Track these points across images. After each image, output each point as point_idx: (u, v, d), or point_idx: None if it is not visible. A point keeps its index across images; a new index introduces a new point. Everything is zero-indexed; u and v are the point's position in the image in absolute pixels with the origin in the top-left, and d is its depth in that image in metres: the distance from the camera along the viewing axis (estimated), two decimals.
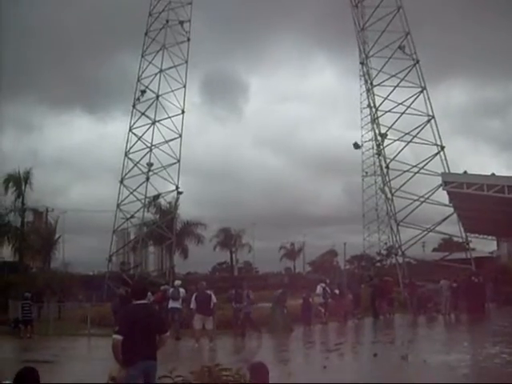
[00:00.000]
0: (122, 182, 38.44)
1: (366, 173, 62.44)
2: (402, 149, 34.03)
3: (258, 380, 5.11)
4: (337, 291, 25.79)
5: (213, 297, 18.42)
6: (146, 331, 6.94)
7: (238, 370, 4.36)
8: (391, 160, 34.13)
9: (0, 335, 22.95)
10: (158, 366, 6.97)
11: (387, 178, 34.77)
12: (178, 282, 21.11)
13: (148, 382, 6.80)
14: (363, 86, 49.39)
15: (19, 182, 34.92)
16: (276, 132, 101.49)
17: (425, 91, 33.82)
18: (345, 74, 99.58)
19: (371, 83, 35.99)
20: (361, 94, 57.39)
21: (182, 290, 20.08)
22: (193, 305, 18.18)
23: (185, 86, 39.22)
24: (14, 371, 5.61)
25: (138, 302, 7.25)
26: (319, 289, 24.59)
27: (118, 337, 6.79)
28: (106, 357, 14.67)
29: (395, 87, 34.25)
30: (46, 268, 42.41)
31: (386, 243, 58.48)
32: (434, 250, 58.46)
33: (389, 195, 35.01)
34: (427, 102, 33.75)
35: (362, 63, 37.93)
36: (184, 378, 4.08)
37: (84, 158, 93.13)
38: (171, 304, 19.29)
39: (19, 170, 35.31)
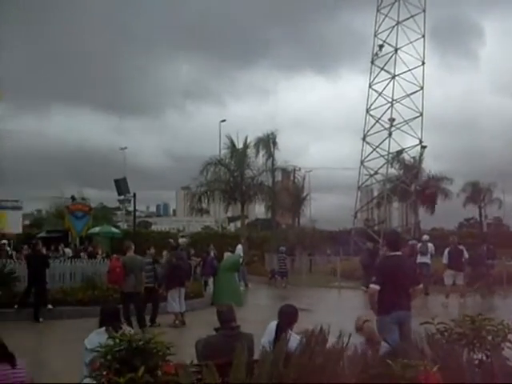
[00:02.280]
0: (364, 138, 38.82)
1: None
2: None
3: None
4: None
5: (464, 252, 17.92)
6: (401, 282, 7.07)
7: (502, 320, 4.28)
8: None
9: (259, 285, 25.18)
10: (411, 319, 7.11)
11: None
12: (426, 237, 20.78)
13: (402, 331, 6.98)
14: None
15: (268, 144, 37.29)
16: None
17: None
18: None
19: None
20: None
21: (430, 245, 19.79)
22: (445, 260, 17.88)
23: (423, 36, 37.78)
24: (272, 316, 6.23)
25: (393, 253, 7.40)
26: None
27: (375, 286, 7.03)
28: (355, 307, 15.33)
29: None
30: (296, 225, 44.92)
31: None
32: None
33: None
34: None
35: None
36: (446, 325, 4.13)
37: (319, 117, 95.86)
38: (420, 259, 19.13)
39: (267, 132, 37.70)
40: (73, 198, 27.65)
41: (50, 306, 14.49)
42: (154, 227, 70.79)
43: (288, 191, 43.02)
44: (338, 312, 15.13)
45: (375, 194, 47.69)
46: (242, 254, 23.05)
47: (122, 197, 27.94)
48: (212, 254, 21.00)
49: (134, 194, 23.88)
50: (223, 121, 49.55)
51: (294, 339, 4.53)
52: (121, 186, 22.92)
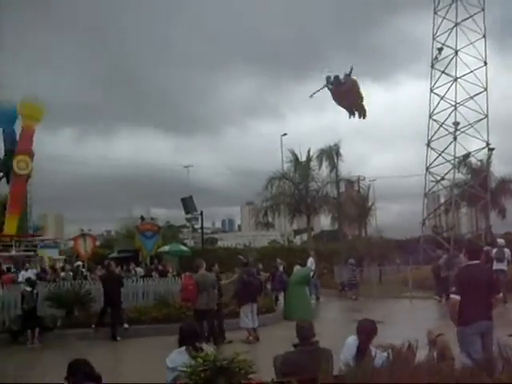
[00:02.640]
0: (428, 144, 37.99)
1: None
2: None
3: None
4: None
5: None
6: (482, 291, 6.89)
7: None
8: None
9: (329, 297, 24.94)
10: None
11: None
12: (501, 242, 19.80)
13: (484, 343, 6.77)
14: None
15: (331, 155, 37.18)
16: None
17: None
18: None
19: None
20: None
21: (506, 251, 18.97)
22: None
23: (484, 36, 36.78)
24: (345, 330, 6.15)
25: (472, 262, 7.23)
26: None
27: (456, 297, 6.87)
28: (429, 318, 14.93)
29: None
30: (362, 235, 44.38)
31: None
32: None
33: None
34: None
35: None
36: None
37: (380, 125, 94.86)
38: (496, 265, 18.42)
39: (330, 144, 37.63)
40: (142, 218, 28.27)
41: (126, 326, 14.85)
42: (219, 243, 71.46)
43: (353, 201, 42.68)
44: (413, 323, 14.75)
45: (442, 200, 46.60)
46: (313, 268, 22.88)
47: (189, 215, 28.40)
48: (281, 268, 20.95)
49: (201, 212, 24.23)
50: (284, 134, 49.64)
51: (379, 356, 4.47)
52: (187, 204, 23.34)
